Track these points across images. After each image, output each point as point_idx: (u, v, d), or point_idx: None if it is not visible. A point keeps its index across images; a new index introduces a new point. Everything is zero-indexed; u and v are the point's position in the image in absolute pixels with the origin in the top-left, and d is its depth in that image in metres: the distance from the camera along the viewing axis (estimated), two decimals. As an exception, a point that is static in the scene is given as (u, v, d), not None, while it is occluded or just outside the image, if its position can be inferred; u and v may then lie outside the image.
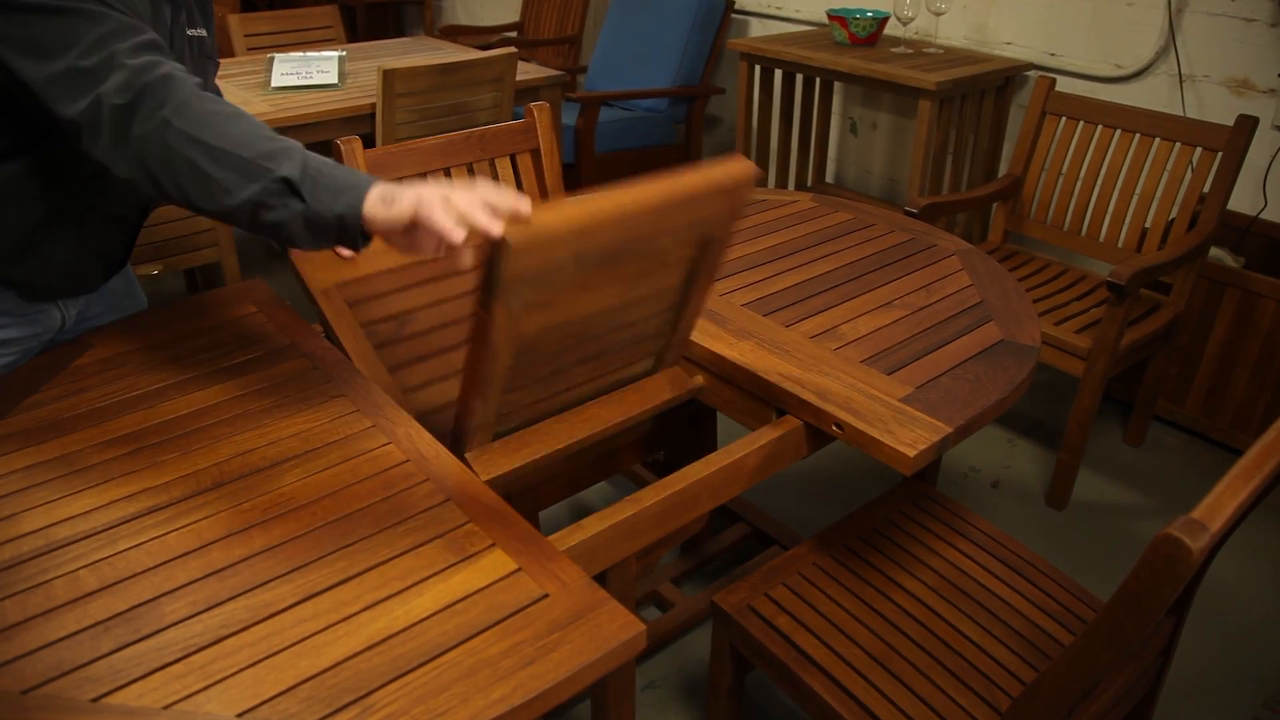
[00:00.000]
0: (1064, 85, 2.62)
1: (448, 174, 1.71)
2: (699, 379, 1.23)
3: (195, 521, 0.90)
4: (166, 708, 0.71)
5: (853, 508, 1.43)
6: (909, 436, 1.06)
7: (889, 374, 1.20)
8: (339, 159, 1.57)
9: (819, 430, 1.16)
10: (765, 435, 1.15)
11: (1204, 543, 0.70)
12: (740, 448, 1.13)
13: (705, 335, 1.28)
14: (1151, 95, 2.47)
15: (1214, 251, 2.23)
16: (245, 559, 0.85)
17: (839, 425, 1.12)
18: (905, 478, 1.30)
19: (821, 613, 1.19)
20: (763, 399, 1.21)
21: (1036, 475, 2.14)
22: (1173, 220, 2.09)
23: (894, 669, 1.11)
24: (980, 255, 1.56)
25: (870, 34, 2.80)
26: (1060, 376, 2.55)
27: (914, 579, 1.24)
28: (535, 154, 1.80)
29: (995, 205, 2.39)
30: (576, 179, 3.15)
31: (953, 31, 2.88)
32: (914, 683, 1.09)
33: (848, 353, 1.25)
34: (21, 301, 1.13)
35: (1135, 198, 2.13)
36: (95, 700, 0.71)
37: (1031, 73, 2.71)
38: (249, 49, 3.14)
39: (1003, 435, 2.29)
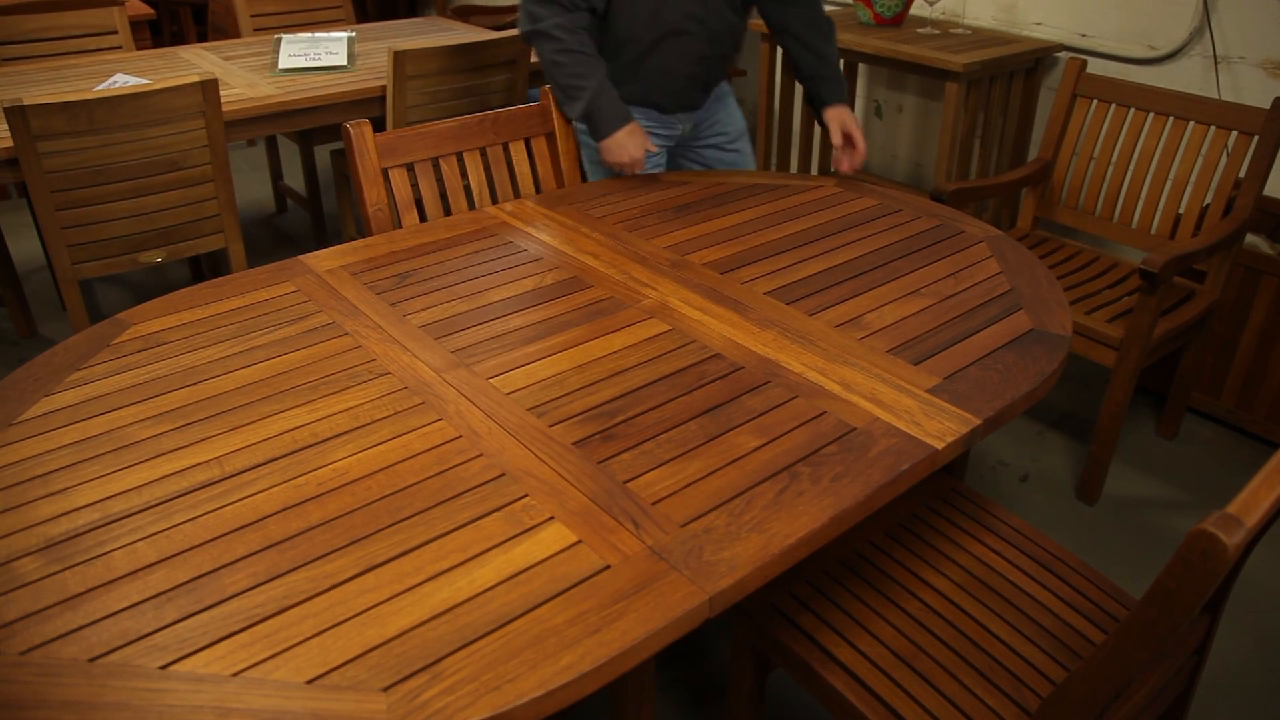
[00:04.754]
0: (1095, 67, 2.56)
1: (459, 158, 1.68)
2: None
3: (250, 496, 0.92)
4: (235, 675, 0.72)
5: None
6: (936, 428, 1.03)
7: (915, 364, 1.17)
8: (348, 143, 1.55)
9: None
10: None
11: (1240, 538, 0.69)
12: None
13: (727, 324, 1.26)
14: (1186, 77, 2.41)
15: (1250, 238, 2.18)
16: (303, 532, 0.87)
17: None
18: (931, 471, 1.28)
19: (845, 610, 1.16)
20: None
21: (1067, 469, 2.11)
22: (1207, 206, 2.05)
23: (920, 668, 1.09)
24: (1009, 242, 1.53)
25: (896, 14, 2.74)
26: (1091, 367, 2.51)
27: (940, 575, 1.22)
28: (550, 138, 1.78)
29: (1024, 191, 2.34)
30: (593, 164, 3.11)
31: (980, 11, 2.82)
32: (940, 682, 1.07)
33: (873, 342, 1.22)
34: (658, 113, 1.85)
35: (1169, 183, 2.08)
36: (163, 668, 0.73)
37: (1062, 54, 2.65)
38: (256, 29, 3.12)
39: (1032, 428, 2.25)
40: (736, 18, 1.78)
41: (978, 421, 1.05)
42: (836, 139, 1.74)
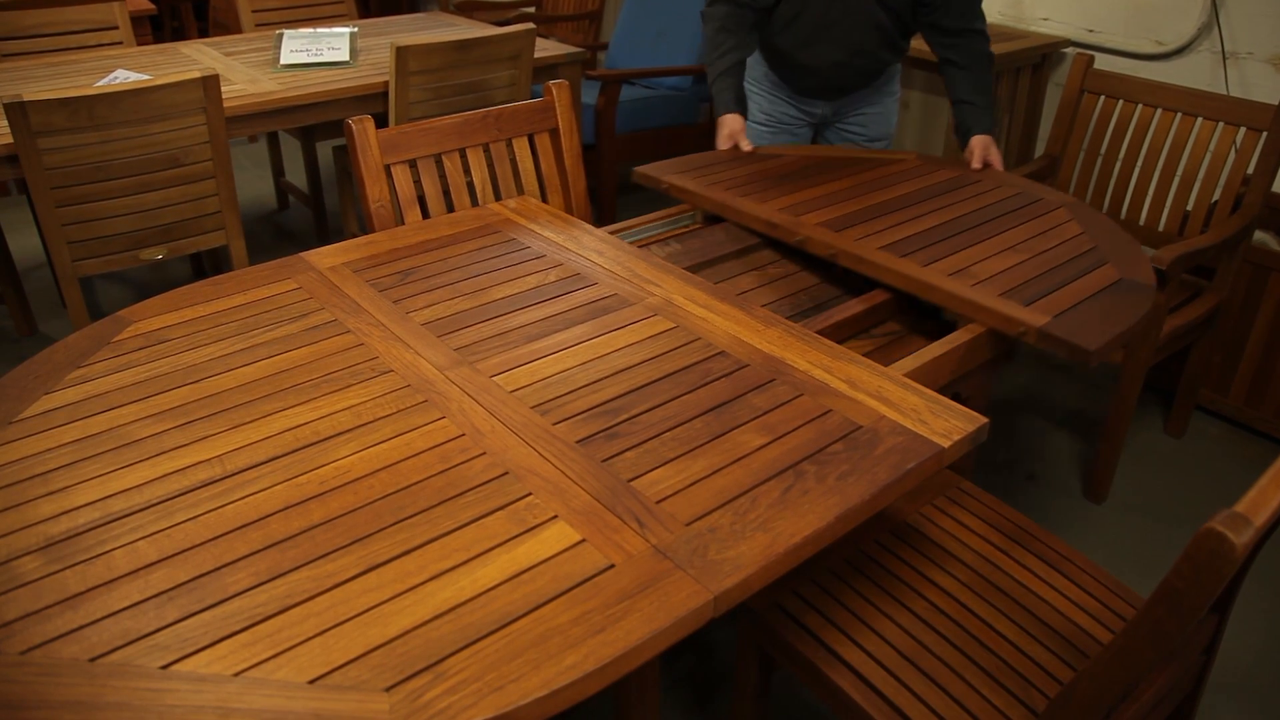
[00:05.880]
0: (1103, 62, 2.55)
1: (462, 155, 1.67)
2: (886, 295, 1.50)
3: (252, 494, 0.91)
4: (237, 675, 0.72)
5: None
6: (943, 427, 1.02)
7: (1026, 305, 1.33)
8: (350, 139, 1.54)
9: (1001, 335, 1.36)
10: (959, 338, 1.33)
11: (1248, 537, 0.68)
12: (941, 347, 1.30)
13: (731, 321, 1.26)
14: (1194, 73, 2.40)
15: (1258, 235, 2.16)
16: (305, 530, 0.86)
17: (1023, 331, 1.30)
18: (938, 469, 1.28)
19: (851, 610, 1.15)
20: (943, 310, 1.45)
21: (1074, 467, 2.10)
22: (1215, 203, 2.03)
23: (926, 668, 1.08)
24: (1086, 208, 1.66)
25: (899, 9, 2.72)
26: (1099, 365, 2.49)
27: (946, 575, 1.21)
28: (554, 134, 1.76)
29: (1029, 187, 2.32)
30: (597, 160, 3.10)
31: (987, 7, 2.80)
32: (947, 682, 1.06)
33: (984, 289, 1.38)
34: (793, 93, 2.08)
35: (1176, 179, 2.06)
36: (164, 668, 0.73)
37: (1069, 50, 2.64)
38: (257, 25, 3.11)
39: (1039, 426, 2.24)
40: (877, 41, 1.93)
41: (984, 420, 1.04)
42: (976, 164, 1.88)
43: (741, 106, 1.92)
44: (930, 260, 1.47)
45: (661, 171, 1.82)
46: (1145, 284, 1.39)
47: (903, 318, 1.56)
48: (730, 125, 1.92)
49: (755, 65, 2.10)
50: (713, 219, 1.76)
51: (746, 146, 1.91)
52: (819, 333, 1.32)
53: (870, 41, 1.91)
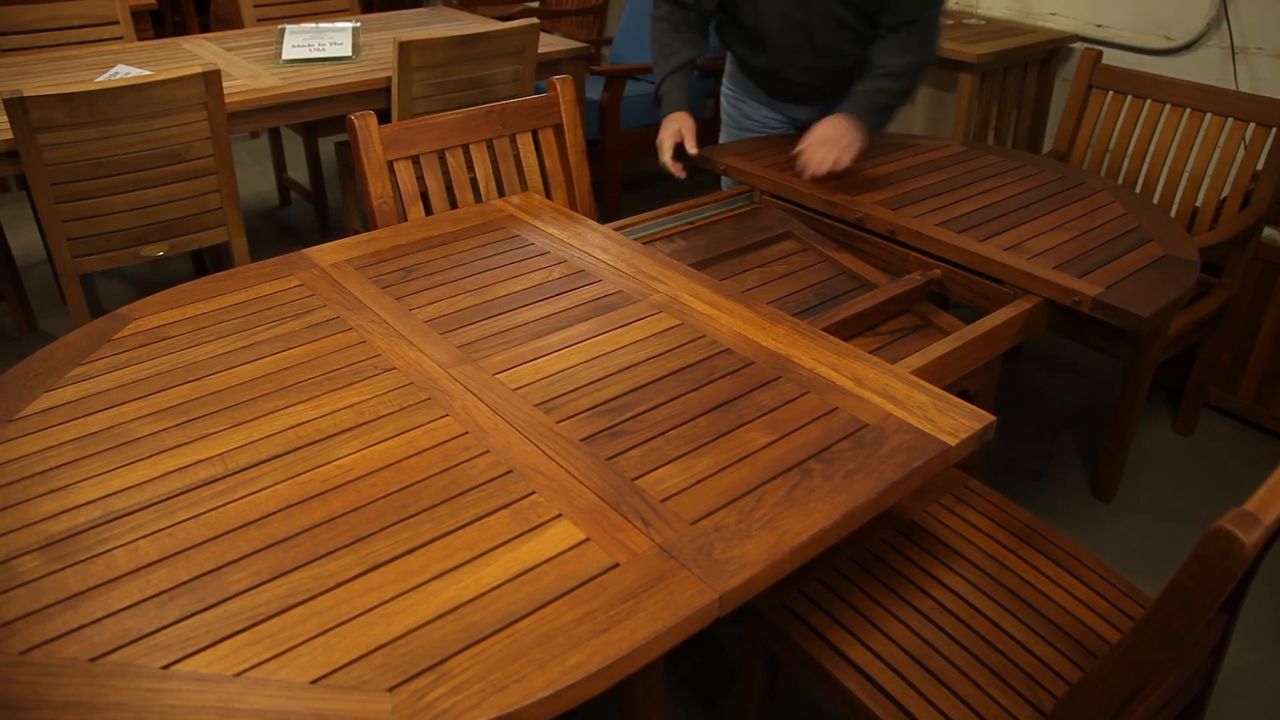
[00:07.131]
0: (1111, 58, 2.53)
1: (466, 150, 1.66)
2: (937, 271, 1.56)
3: (253, 493, 0.91)
4: (238, 675, 0.72)
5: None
6: (949, 425, 1.01)
7: (1080, 277, 1.41)
8: (352, 135, 1.53)
9: (1058, 304, 1.43)
10: (1016, 308, 1.39)
11: (1257, 536, 0.68)
12: (996, 319, 1.37)
13: (737, 318, 1.25)
14: (1203, 68, 2.38)
15: (1268, 232, 2.15)
16: (307, 529, 0.86)
17: (1078, 300, 1.37)
18: (944, 468, 1.27)
19: (857, 609, 1.15)
20: (1000, 282, 1.51)
21: (1082, 466, 2.09)
22: (1224, 199, 2.02)
23: (933, 667, 1.07)
24: (1128, 191, 1.75)
25: (905, 4, 2.70)
26: (1107, 362, 2.49)
27: (953, 574, 1.20)
28: (558, 130, 1.76)
29: (1035, 183, 2.31)
30: (601, 156, 3.09)
31: (994, 2, 2.80)
32: (954, 682, 1.06)
33: (1038, 262, 1.47)
34: (769, 98, 2.00)
35: (1185, 175, 2.05)
36: (165, 668, 0.72)
37: (1077, 45, 2.63)
38: (259, 20, 3.10)
39: (1047, 424, 2.23)
40: (848, 40, 1.79)
41: (991, 418, 1.03)
42: (802, 143, 1.71)
43: (691, 105, 1.84)
44: (985, 237, 1.55)
45: (717, 154, 1.89)
46: (1189, 260, 1.46)
47: (909, 315, 1.55)
48: (680, 122, 1.79)
49: (731, 74, 2.04)
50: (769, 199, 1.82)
51: (693, 149, 1.78)
52: (825, 330, 1.31)
53: (840, 40, 1.80)
